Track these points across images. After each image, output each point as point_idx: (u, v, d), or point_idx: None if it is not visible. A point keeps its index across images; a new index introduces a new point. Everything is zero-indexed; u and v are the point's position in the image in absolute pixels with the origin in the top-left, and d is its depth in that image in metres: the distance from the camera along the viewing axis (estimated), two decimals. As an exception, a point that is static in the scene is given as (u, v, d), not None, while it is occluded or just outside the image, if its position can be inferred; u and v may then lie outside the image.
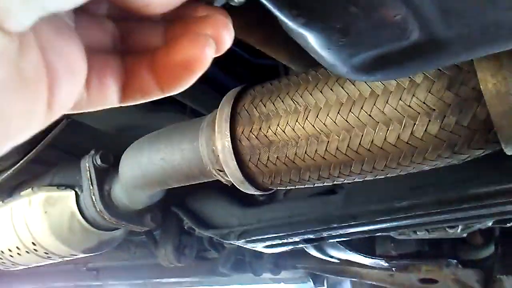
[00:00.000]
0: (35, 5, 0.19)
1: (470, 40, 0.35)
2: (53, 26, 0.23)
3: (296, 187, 0.63)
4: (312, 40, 0.36)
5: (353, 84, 0.53)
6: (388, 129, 0.51)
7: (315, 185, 0.62)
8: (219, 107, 0.64)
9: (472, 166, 0.68)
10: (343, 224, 0.85)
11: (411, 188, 0.77)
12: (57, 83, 0.23)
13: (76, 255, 1.08)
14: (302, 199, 0.93)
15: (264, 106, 0.60)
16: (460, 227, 0.98)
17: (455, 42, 0.35)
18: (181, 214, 1.01)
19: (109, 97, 0.28)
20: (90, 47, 0.27)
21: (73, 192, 0.99)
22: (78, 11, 0.26)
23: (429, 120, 0.49)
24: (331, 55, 0.38)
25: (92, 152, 0.94)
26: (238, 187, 0.66)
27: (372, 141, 0.52)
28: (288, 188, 0.64)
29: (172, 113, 0.92)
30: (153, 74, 0.28)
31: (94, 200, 0.95)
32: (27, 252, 1.07)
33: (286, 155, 0.58)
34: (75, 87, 0.24)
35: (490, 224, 0.91)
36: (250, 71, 0.94)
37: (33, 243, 1.03)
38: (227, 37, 0.29)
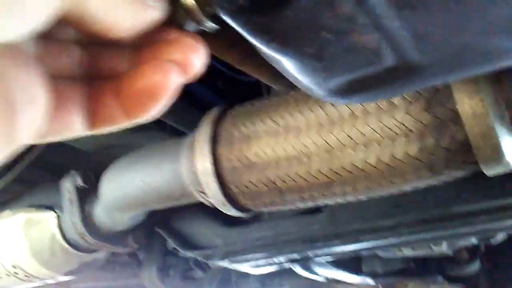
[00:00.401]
0: None
1: (444, 65, 0.35)
2: (9, 54, 0.22)
3: (278, 208, 0.63)
4: (287, 64, 0.36)
5: (333, 106, 0.53)
6: (368, 150, 0.51)
7: (297, 206, 0.61)
8: (200, 127, 0.64)
9: (454, 185, 0.68)
10: (328, 243, 0.85)
11: (394, 206, 0.77)
12: (16, 113, 0.22)
13: (57, 278, 1.06)
14: (287, 218, 0.92)
15: (245, 127, 0.60)
16: (445, 244, 0.98)
17: (429, 67, 0.35)
18: (164, 234, 0.99)
19: (73, 126, 0.27)
20: (54, 74, 0.26)
21: (54, 213, 0.97)
22: (41, 36, 0.25)
23: (408, 141, 0.49)
24: (306, 79, 0.38)
25: (73, 172, 0.93)
26: (219, 209, 0.65)
27: (352, 162, 0.52)
28: (271, 209, 0.63)
29: (152, 131, 0.91)
30: (119, 101, 0.27)
31: (75, 221, 0.93)
32: (7, 275, 1.04)
33: (267, 177, 0.58)
34: (35, 117, 0.24)
35: (474, 241, 0.91)
36: (231, 88, 0.94)
37: (13, 266, 1.01)
38: (195, 61, 0.28)
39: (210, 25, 0.32)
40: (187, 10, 0.30)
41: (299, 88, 0.61)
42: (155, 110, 0.27)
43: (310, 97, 0.56)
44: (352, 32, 0.32)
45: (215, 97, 0.93)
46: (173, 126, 0.88)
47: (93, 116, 0.27)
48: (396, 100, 0.49)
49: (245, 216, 1.00)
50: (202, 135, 0.62)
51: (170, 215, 1.04)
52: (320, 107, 0.54)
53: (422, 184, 0.53)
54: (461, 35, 0.32)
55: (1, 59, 0.22)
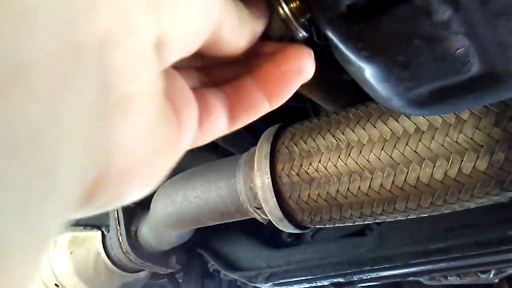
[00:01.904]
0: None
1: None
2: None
3: (336, 225, 0.63)
4: (370, 73, 0.37)
5: (397, 121, 0.53)
6: (434, 166, 0.51)
7: (356, 223, 0.61)
8: (258, 144, 0.65)
9: (511, 208, 0.67)
10: (375, 267, 0.83)
11: (447, 229, 0.76)
12: (181, 122, 0.24)
13: (98, 298, 1.06)
14: (332, 240, 0.92)
15: (305, 143, 0.61)
16: (493, 272, 0.96)
17: (513, 76, 0.36)
18: (207, 255, 0.99)
19: (220, 126, 0.28)
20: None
21: (100, 232, 0.98)
22: None
23: (477, 157, 0.49)
24: (388, 88, 0.38)
25: (120, 191, 0.94)
26: (276, 225, 0.65)
27: (418, 177, 0.52)
28: (328, 226, 0.63)
29: (204, 152, 0.92)
30: (261, 88, 0.28)
31: (120, 240, 0.94)
32: (49, 293, 1.05)
33: (327, 192, 0.58)
34: (193, 123, 0.25)
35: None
36: (280, 113, 0.96)
37: (56, 284, 1.02)
38: (311, 67, 0.30)
39: (303, 34, 0.33)
40: (284, 20, 0.32)
41: (354, 107, 0.62)
42: (292, 92, 0.29)
43: (372, 113, 0.57)
44: (445, 40, 0.33)
45: (263, 123, 0.95)
46: (224, 149, 0.90)
47: (235, 111, 0.29)
48: (464, 115, 0.50)
49: (289, 237, 0.99)
50: (261, 151, 0.63)
51: (211, 236, 1.04)
52: (384, 122, 0.55)
53: (488, 201, 0.52)
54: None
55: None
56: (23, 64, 0.13)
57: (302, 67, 0.29)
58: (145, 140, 0.20)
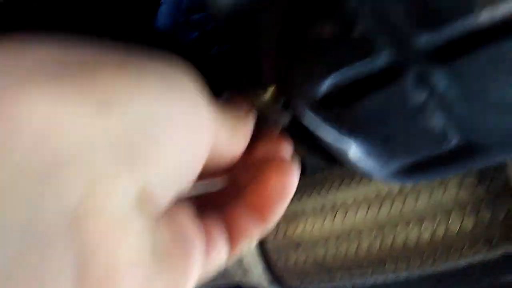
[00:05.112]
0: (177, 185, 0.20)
1: (508, 144, 0.36)
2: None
3: (326, 286, 0.61)
4: (351, 149, 0.37)
5: (381, 182, 0.53)
6: (421, 227, 0.50)
7: (346, 284, 0.60)
8: (242, 207, 0.63)
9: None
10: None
11: (437, 280, 0.75)
12: (187, 256, 0.22)
13: None
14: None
15: (290, 204, 0.60)
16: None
17: (494, 146, 0.36)
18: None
19: (223, 256, 0.26)
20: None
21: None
22: None
23: (463, 216, 0.48)
24: (368, 163, 0.38)
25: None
26: (264, 290, 0.63)
27: (406, 239, 0.51)
28: (318, 287, 0.62)
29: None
30: (254, 215, 0.28)
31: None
32: None
33: (315, 256, 0.57)
34: (201, 260, 0.23)
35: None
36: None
37: None
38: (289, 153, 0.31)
39: (285, 117, 0.33)
40: (264, 108, 0.31)
41: (336, 166, 0.62)
42: (283, 209, 0.29)
43: (355, 173, 0.56)
44: (422, 119, 0.32)
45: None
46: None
47: (233, 239, 0.27)
48: (447, 174, 0.49)
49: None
50: (245, 214, 0.62)
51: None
52: (367, 183, 0.54)
53: (479, 259, 0.52)
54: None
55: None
56: None
57: (287, 189, 0.29)
58: None
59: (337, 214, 0.55)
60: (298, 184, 0.62)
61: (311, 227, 0.57)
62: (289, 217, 0.59)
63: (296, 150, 0.64)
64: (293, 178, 0.29)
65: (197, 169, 0.22)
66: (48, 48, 0.17)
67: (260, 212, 0.27)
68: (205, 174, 0.26)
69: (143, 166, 0.17)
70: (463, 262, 0.52)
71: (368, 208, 0.53)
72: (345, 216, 0.55)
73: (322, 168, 0.63)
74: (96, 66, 0.17)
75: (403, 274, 0.56)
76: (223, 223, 0.27)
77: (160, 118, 0.18)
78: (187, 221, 0.24)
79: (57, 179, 0.15)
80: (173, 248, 0.21)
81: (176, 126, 0.19)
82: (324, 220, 0.56)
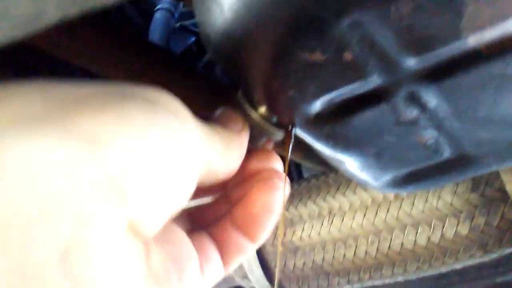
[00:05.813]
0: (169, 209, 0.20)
1: (500, 155, 0.36)
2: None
3: (324, 291, 0.62)
4: (346, 163, 0.37)
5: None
6: (417, 232, 0.51)
7: (344, 288, 0.60)
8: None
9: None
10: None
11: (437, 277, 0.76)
12: (183, 274, 0.23)
13: None
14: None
15: (287, 210, 0.60)
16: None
17: (485, 157, 0.36)
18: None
19: (218, 273, 0.27)
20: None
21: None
22: None
23: (458, 221, 0.49)
24: (363, 174, 0.39)
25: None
26: (263, 294, 0.64)
27: (402, 244, 0.52)
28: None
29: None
30: (244, 234, 0.28)
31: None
32: None
33: (313, 261, 0.58)
34: (196, 276, 0.24)
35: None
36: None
37: None
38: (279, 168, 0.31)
39: (279, 133, 0.33)
40: (257, 126, 0.32)
41: (333, 172, 0.62)
42: (271, 227, 0.29)
43: (352, 180, 0.57)
44: (414, 134, 0.33)
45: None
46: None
47: (225, 256, 0.28)
48: (441, 181, 0.50)
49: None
50: (243, 220, 0.63)
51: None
52: (364, 189, 0.55)
53: (474, 262, 0.52)
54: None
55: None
56: None
57: (273, 208, 0.29)
58: None
59: (334, 220, 0.56)
60: (295, 191, 0.63)
61: (309, 232, 0.57)
62: (287, 222, 0.60)
63: (294, 155, 0.65)
64: (279, 197, 0.29)
65: (188, 192, 0.22)
66: (31, 92, 0.17)
67: (248, 230, 0.28)
68: (201, 191, 0.27)
69: (130, 200, 0.18)
70: (458, 266, 0.53)
71: (365, 214, 0.54)
72: (342, 222, 0.55)
73: (318, 174, 0.64)
74: (78, 106, 0.17)
75: (399, 279, 0.57)
76: (215, 240, 0.28)
77: (144, 152, 0.18)
78: (181, 239, 0.24)
79: (45, 221, 0.15)
80: (168, 267, 0.22)
81: (161, 157, 0.19)
82: (321, 225, 0.57)
